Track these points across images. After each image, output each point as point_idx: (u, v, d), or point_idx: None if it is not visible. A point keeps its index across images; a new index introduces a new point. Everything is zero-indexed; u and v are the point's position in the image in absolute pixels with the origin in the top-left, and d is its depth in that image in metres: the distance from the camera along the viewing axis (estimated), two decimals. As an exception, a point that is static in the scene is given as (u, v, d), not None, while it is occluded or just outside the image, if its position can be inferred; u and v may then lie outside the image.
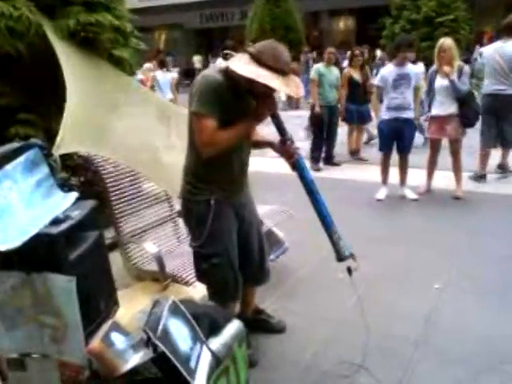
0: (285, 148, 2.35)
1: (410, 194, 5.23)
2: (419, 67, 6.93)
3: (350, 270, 2.46)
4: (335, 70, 6.83)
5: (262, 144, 2.52)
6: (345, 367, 2.42)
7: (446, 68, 4.87)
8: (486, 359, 2.49)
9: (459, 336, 2.70)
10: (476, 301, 3.07)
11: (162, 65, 9.53)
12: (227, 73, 2.14)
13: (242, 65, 2.04)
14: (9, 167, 1.74)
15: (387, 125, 5.12)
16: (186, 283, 2.69)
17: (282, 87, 2.03)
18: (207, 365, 1.66)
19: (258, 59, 2.03)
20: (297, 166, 2.38)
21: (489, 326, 2.78)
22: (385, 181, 5.34)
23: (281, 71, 2.03)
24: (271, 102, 2.20)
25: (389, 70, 5.16)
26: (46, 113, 3.56)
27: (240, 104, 2.19)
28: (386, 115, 5.15)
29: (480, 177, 5.72)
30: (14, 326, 1.55)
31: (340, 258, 2.46)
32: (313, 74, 6.72)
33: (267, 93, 2.12)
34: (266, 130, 2.61)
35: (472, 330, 2.75)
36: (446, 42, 5.02)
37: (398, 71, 5.01)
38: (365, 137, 7.94)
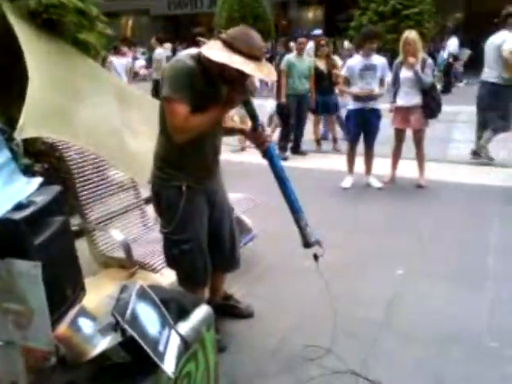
0: (256, 135, 2.37)
1: (376, 183, 5.35)
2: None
3: (316, 257, 2.51)
4: (307, 60, 6.85)
5: (233, 130, 2.52)
6: (312, 351, 2.47)
7: (411, 59, 4.98)
8: (446, 338, 2.61)
9: (420, 318, 2.81)
10: (437, 286, 3.18)
11: (117, 51, 9.92)
12: (199, 59, 2.14)
13: (214, 51, 2.04)
14: (-32, 152, 1.68)
15: (354, 115, 5.21)
16: (154, 270, 2.68)
17: (256, 72, 2.04)
18: (176, 348, 1.66)
19: (230, 45, 2.03)
20: (267, 153, 2.41)
21: (449, 308, 2.90)
22: (351, 170, 5.44)
23: (254, 57, 2.04)
24: (243, 88, 2.21)
25: (355, 61, 5.24)
26: (6, 98, 3.45)
27: (212, 90, 2.19)
28: (352, 105, 5.24)
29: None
30: (-23, 312, 1.52)
31: (306, 243, 2.50)
32: (282, 64, 6.74)
33: (240, 79, 2.13)
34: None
35: (433, 312, 2.87)
36: (411, 34, 5.13)
37: (365, 61, 5.11)
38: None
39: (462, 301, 2.98)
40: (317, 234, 2.53)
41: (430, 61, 5.21)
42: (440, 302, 2.97)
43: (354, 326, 2.71)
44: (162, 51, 10.96)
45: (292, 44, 16.52)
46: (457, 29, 16.67)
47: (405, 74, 5.11)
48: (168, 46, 23.62)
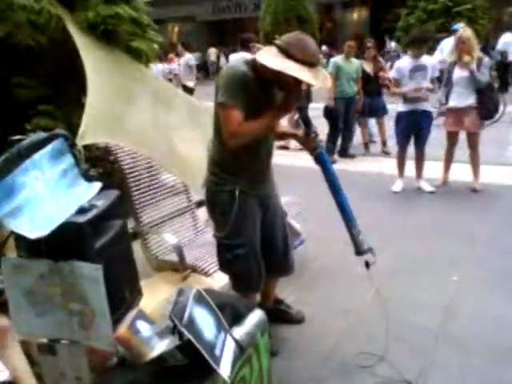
0: (309, 140, 2.35)
1: (427, 187, 5.19)
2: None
3: (367, 264, 2.46)
4: (355, 63, 6.74)
5: (286, 135, 2.51)
6: (365, 358, 2.43)
7: (467, 58, 4.79)
8: (505, 350, 2.49)
9: (478, 327, 2.70)
10: (494, 293, 3.05)
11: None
12: (254, 65, 2.15)
13: (270, 57, 2.05)
14: (36, 156, 1.75)
15: (404, 117, 5.09)
16: (206, 274, 2.70)
17: (311, 79, 2.03)
18: (231, 353, 1.67)
19: (285, 51, 2.03)
20: (319, 158, 2.39)
21: (508, 318, 2.77)
22: (401, 173, 5.31)
23: (309, 63, 2.03)
24: (298, 94, 2.20)
25: (405, 62, 5.13)
26: (66, 105, 3.59)
27: (266, 96, 2.20)
28: (403, 107, 5.12)
29: None
30: (44, 312, 1.58)
31: (359, 251, 2.46)
32: (330, 67, 6.68)
33: (295, 85, 2.12)
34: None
35: (490, 321, 2.75)
36: (466, 32, 4.95)
37: (414, 63, 4.99)
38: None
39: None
40: (369, 242, 2.48)
41: (486, 59, 5.00)
42: (496, 311, 2.85)
43: (408, 334, 2.63)
44: (191, 57, 10.99)
45: (324, 47, 16.31)
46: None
47: (459, 73, 4.92)
48: (213, 50, 24.00)
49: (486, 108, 4.90)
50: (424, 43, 5.00)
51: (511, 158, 6.33)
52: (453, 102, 5.03)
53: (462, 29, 5.10)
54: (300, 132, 2.43)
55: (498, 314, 2.82)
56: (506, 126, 8.10)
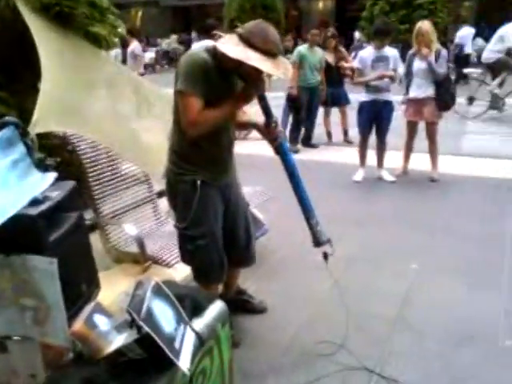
0: (269, 131, 2.34)
1: (388, 176, 5.30)
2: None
3: (326, 256, 2.49)
4: (319, 52, 6.76)
5: (246, 125, 2.50)
6: (325, 346, 2.46)
7: (425, 50, 4.92)
8: (461, 335, 2.58)
9: (435, 314, 2.78)
10: (452, 280, 3.15)
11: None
12: (214, 52, 2.11)
13: (231, 46, 2.01)
14: (-17, 146, 1.68)
15: (366, 107, 5.16)
16: (167, 265, 2.67)
17: (272, 70, 2.01)
18: (191, 345, 1.66)
19: (247, 40, 2.00)
20: (280, 149, 2.38)
21: (464, 304, 2.87)
22: (362, 163, 5.40)
23: (270, 53, 2.01)
24: (259, 84, 2.18)
25: (367, 53, 5.19)
26: (20, 91, 3.45)
27: (226, 84, 2.17)
28: (365, 97, 5.19)
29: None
30: (-6, 309, 1.52)
31: (317, 243, 2.49)
32: (294, 56, 6.68)
33: (255, 74, 2.09)
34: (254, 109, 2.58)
35: (448, 308, 2.84)
36: (424, 25, 5.06)
37: (377, 53, 5.06)
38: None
39: (477, 297, 2.95)
40: (328, 232, 2.51)
41: (444, 52, 5.13)
42: (454, 299, 2.94)
43: (367, 322, 2.69)
44: (137, 45, 9.98)
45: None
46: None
47: (418, 65, 5.04)
48: (174, 37, 23.55)
49: (444, 100, 5.05)
50: (387, 35, 5.07)
51: (467, 148, 6.53)
52: (413, 93, 5.16)
53: (421, 22, 5.20)
54: (260, 122, 2.42)
55: (456, 300, 2.91)
56: (463, 118, 8.35)
